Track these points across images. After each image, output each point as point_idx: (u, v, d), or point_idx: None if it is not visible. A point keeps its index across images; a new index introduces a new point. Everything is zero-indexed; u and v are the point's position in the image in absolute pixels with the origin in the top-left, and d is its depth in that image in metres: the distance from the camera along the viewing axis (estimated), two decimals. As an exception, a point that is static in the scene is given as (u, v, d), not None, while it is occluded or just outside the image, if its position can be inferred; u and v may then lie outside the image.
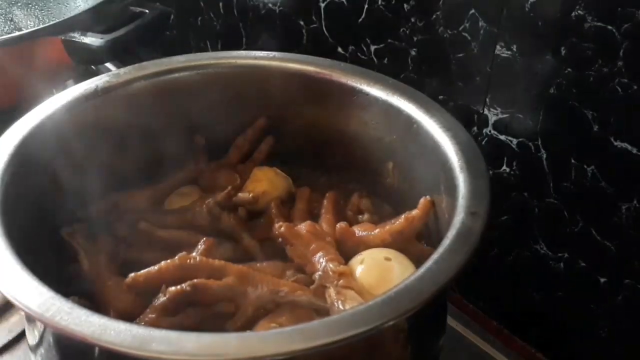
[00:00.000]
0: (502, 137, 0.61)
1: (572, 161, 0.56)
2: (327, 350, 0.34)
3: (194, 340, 0.34)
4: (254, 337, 0.35)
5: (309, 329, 0.35)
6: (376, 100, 0.56)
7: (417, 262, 0.49)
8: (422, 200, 0.50)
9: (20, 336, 0.61)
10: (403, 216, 0.51)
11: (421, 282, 0.38)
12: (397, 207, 0.56)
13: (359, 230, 0.52)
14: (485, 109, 0.61)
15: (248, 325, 0.45)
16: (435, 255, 0.40)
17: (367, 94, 0.56)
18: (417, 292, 0.37)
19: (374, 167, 0.58)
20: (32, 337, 0.46)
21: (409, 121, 0.53)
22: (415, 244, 0.51)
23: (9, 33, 0.81)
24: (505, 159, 0.61)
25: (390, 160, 0.57)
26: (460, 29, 0.60)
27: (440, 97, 0.64)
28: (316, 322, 0.36)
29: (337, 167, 0.61)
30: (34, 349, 0.45)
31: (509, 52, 0.57)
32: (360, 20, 0.69)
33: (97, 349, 0.37)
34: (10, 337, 0.61)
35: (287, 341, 0.34)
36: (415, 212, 0.50)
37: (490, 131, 0.61)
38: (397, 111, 0.54)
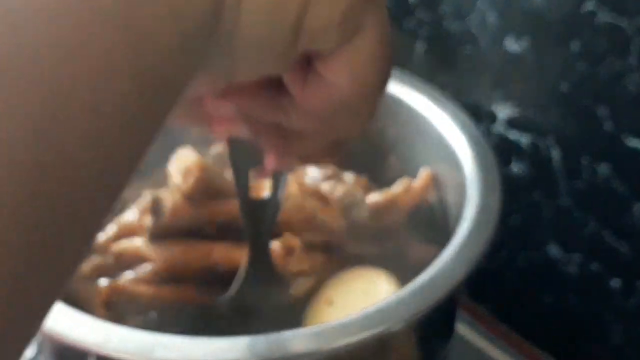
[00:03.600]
0: (511, 135, 0.60)
1: (584, 160, 0.56)
2: (335, 352, 0.34)
3: (201, 346, 0.34)
4: (263, 341, 0.35)
5: (318, 332, 0.35)
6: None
7: (421, 261, 0.48)
8: (422, 171, 0.49)
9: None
10: (400, 182, 0.49)
11: (432, 283, 0.38)
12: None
13: None
14: (493, 106, 0.61)
15: None
16: (445, 255, 0.39)
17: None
18: (428, 294, 0.37)
19: (378, 159, 0.57)
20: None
21: (416, 114, 0.52)
22: (414, 241, 0.50)
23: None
24: (514, 157, 0.61)
25: (395, 154, 0.56)
26: (468, 22, 0.59)
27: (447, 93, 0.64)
28: (324, 325, 0.36)
29: (339, 160, 0.60)
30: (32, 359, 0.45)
31: (519, 47, 0.56)
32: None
33: (98, 357, 0.36)
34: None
35: (297, 344, 0.35)
36: (414, 182, 0.49)
37: (499, 129, 0.61)
38: (404, 103, 0.53)
